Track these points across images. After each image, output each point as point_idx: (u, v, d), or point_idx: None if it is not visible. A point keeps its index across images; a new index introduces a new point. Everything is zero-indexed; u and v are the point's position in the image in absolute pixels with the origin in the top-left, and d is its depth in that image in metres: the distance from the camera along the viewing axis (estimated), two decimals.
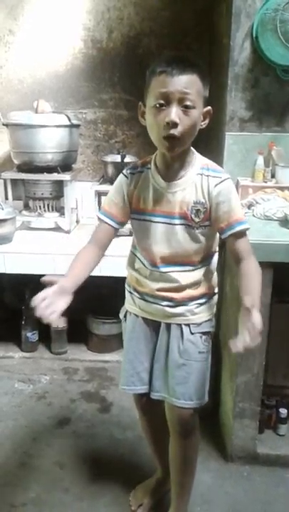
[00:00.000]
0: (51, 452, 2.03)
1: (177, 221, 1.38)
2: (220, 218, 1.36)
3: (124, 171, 1.47)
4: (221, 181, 1.35)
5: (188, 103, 1.23)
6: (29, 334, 2.74)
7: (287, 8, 1.91)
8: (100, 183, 2.61)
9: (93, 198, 2.59)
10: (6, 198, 2.67)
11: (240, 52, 2.11)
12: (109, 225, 1.45)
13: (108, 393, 2.44)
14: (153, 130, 1.29)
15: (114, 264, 2.03)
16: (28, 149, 2.54)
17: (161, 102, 1.23)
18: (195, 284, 1.45)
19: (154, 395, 1.54)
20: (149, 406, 1.61)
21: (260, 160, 2.21)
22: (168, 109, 1.23)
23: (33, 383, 2.52)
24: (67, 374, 2.61)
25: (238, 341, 1.18)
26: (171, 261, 1.42)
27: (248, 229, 1.38)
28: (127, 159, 2.52)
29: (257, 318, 1.20)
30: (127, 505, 1.77)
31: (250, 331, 1.18)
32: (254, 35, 2.06)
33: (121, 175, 1.47)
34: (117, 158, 2.54)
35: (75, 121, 2.61)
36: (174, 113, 1.22)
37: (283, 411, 2.01)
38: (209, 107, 1.32)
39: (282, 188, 2.13)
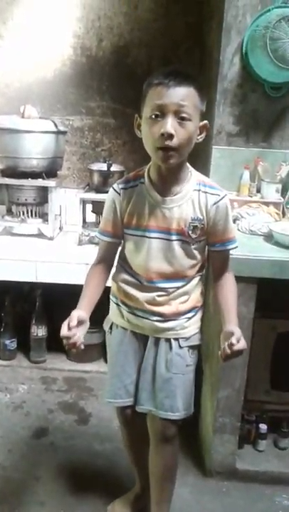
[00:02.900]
0: (27, 464, 1.99)
1: (174, 237, 1.37)
2: (214, 234, 1.40)
3: (115, 187, 1.43)
4: (220, 199, 1.37)
5: (184, 115, 1.23)
6: (7, 342, 2.69)
7: (277, 25, 1.92)
8: (86, 191, 2.59)
9: (78, 206, 2.56)
10: None
11: (230, 68, 2.12)
12: (108, 242, 1.47)
13: (87, 404, 2.41)
14: (148, 141, 1.29)
15: None
16: (13, 154, 2.50)
17: (157, 113, 1.23)
18: (185, 299, 1.45)
19: (140, 408, 1.53)
20: (132, 418, 1.59)
21: (246, 175, 2.22)
22: (163, 120, 1.23)
23: (10, 392, 2.47)
24: (45, 383, 2.56)
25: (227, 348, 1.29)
26: (166, 276, 1.41)
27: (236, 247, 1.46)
28: (114, 168, 2.51)
29: (243, 343, 1.30)
30: None
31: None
32: (244, 52, 2.08)
33: (112, 191, 1.44)
34: (103, 166, 2.52)
35: (61, 128, 2.59)
36: (170, 124, 1.22)
37: (263, 427, 2.01)
38: (206, 121, 1.32)
39: (267, 204, 2.15)
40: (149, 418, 1.55)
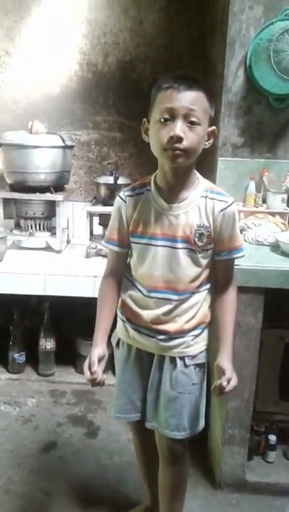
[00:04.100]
0: (37, 478, 1.99)
1: (180, 245, 1.34)
2: (221, 242, 1.36)
3: (121, 194, 1.42)
4: (227, 206, 1.34)
5: (193, 119, 1.21)
6: (16, 355, 2.70)
7: (280, 38, 1.95)
8: (92, 204, 2.61)
9: (85, 219, 2.59)
10: None
11: (234, 80, 2.14)
12: (115, 251, 1.45)
13: (96, 417, 2.41)
14: (156, 144, 1.26)
15: None
16: (22, 169, 2.54)
17: (166, 116, 1.22)
18: (191, 315, 1.40)
19: (148, 425, 1.51)
20: (144, 430, 1.57)
21: (252, 185, 2.23)
22: (173, 124, 1.21)
23: (19, 406, 2.47)
24: (54, 397, 2.56)
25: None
26: (171, 287, 1.37)
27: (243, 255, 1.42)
28: (120, 181, 2.53)
29: (233, 382, 1.33)
30: None
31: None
32: (248, 64, 2.10)
33: (118, 199, 1.42)
34: (110, 179, 2.55)
35: (68, 143, 2.62)
36: (179, 127, 1.20)
37: (272, 438, 1.99)
38: (214, 127, 1.30)
39: (273, 214, 2.15)
40: (157, 436, 1.53)
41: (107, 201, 2.54)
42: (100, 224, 2.63)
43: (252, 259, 1.77)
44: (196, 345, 1.43)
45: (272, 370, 1.90)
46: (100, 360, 1.38)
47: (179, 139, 1.21)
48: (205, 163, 2.44)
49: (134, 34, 2.75)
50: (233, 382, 1.30)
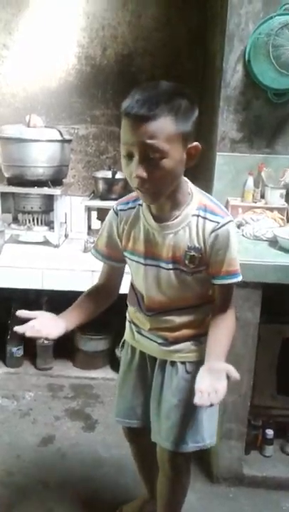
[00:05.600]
0: (35, 471, 2.00)
1: (170, 265, 1.24)
2: (214, 265, 1.23)
3: (114, 207, 1.33)
4: (219, 227, 1.19)
5: (154, 155, 1.06)
6: (14, 349, 2.70)
7: (279, 33, 1.94)
8: (90, 199, 2.61)
9: (83, 213, 2.59)
10: None
11: (233, 75, 2.14)
12: (109, 265, 1.39)
13: (93, 411, 2.42)
14: (127, 178, 1.16)
15: None
16: (19, 163, 2.53)
17: (126, 152, 1.09)
18: (193, 325, 1.33)
19: (153, 438, 1.44)
20: (138, 437, 1.55)
21: (250, 181, 2.23)
22: (133, 162, 1.08)
23: (17, 399, 2.48)
24: (52, 391, 2.57)
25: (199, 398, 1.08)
26: (164, 307, 1.31)
27: (239, 281, 1.27)
28: (118, 175, 2.53)
29: (223, 386, 1.09)
30: None
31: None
32: (247, 59, 2.10)
33: (111, 212, 1.34)
34: (108, 174, 2.55)
35: (67, 137, 2.62)
36: (139, 168, 1.07)
37: (269, 432, 2.00)
38: (195, 143, 1.12)
39: (271, 209, 2.16)
40: (158, 449, 1.47)
41: (105, 196, 2.54)
42: (98, 218, 2.63)
43: (250, 254, 1.77)
44: (199, 352, 1.33)
45: (270, 364, 1.91)
46: (51, 322, 1.25)
47: (142, 181, 1.09)
48: (203, 158, 2.43)
49: (133, 27, 2.74)
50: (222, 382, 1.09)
